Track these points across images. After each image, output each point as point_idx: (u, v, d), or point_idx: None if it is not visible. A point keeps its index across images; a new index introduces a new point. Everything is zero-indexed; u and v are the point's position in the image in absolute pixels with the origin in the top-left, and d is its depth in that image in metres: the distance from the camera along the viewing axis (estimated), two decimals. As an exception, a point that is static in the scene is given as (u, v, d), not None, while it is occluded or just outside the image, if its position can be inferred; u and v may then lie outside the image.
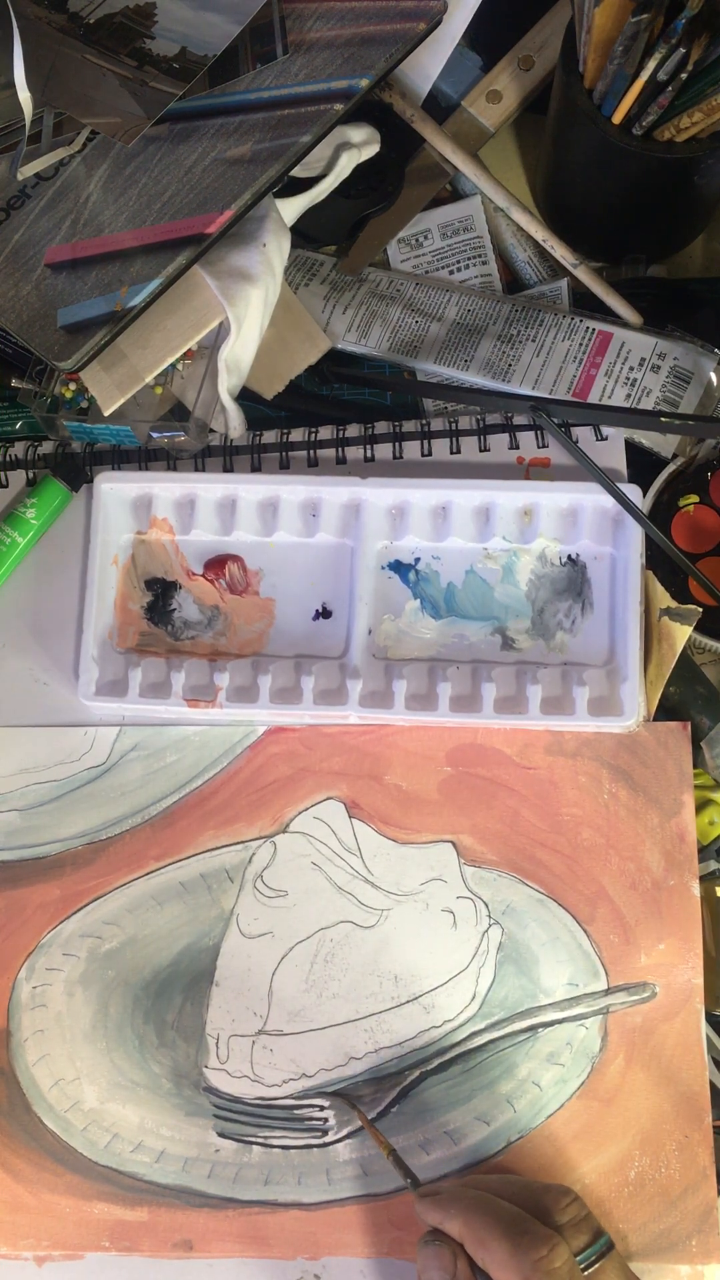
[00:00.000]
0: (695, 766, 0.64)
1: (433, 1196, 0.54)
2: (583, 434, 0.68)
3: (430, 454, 0.68)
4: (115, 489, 0.67)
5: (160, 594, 0.67)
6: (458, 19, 0.68)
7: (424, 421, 0.69)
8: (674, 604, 0.62)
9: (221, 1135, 0.61)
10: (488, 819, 0.63)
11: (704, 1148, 0.59)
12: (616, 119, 0.63)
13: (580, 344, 0.69)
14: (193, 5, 0.66)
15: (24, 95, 0.63)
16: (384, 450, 0.69)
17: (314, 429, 0.69)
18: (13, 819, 0.64)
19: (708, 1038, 0.60)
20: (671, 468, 0.67)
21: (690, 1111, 0.60)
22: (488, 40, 0.73)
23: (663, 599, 0.63)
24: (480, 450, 0.68)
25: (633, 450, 0.68)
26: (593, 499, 0.66)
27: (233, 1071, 0.61)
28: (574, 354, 0.69)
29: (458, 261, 0.73)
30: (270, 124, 0.63)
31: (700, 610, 0.61)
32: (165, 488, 0.67)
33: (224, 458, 0.69)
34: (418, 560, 0.67)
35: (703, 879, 0.62)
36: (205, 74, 0.64)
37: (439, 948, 0.62)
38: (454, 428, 0.69)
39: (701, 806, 0.64)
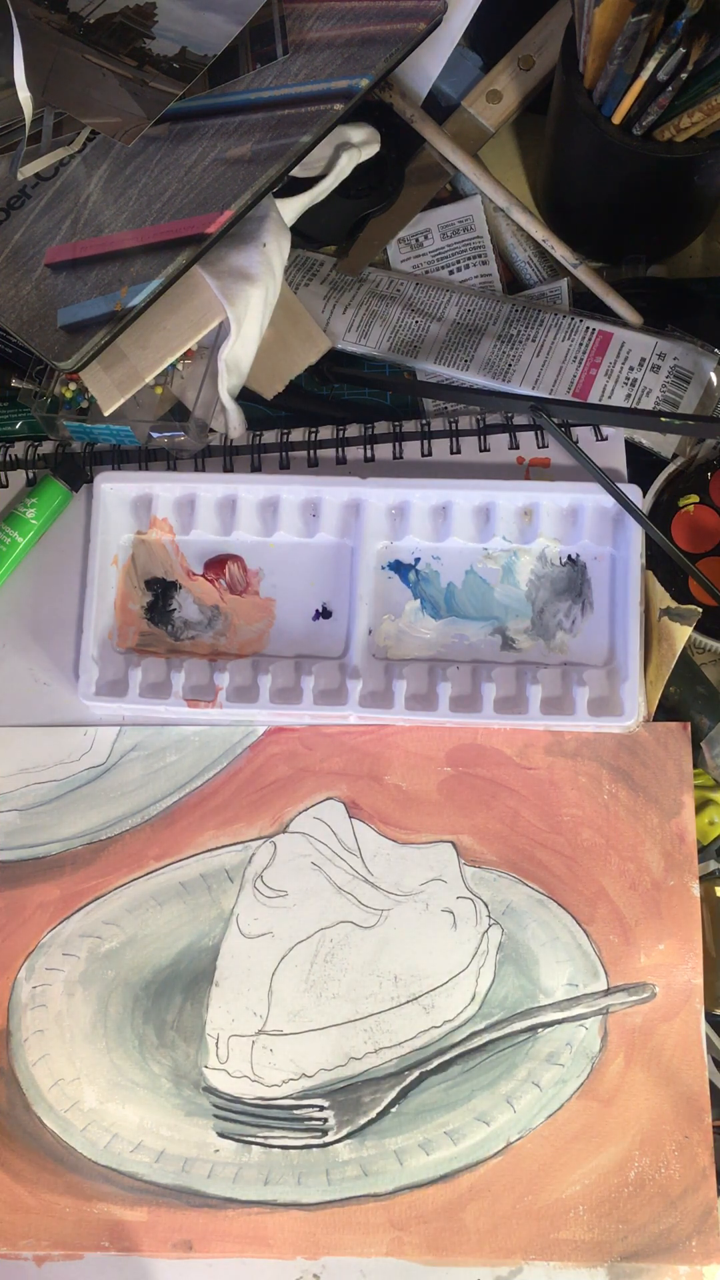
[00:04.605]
0: (695, 766, 0.64)
1: None
2: (583, 434, 0.68)
3: (430, 454, 0.68)
4: (115, 489, 0.67)
5: (160, 594, 0.67)
6: (458, 19, 0.68)
7: (424, 421, 0.69)
8: (674, 604, 0.62)
9: (221, 1135, 0.60)
10: (488, 819, 0.63)
11: (704, 1148, 0.59)
12: (616, 119, 0.63)
13: (580, 344, 0.69)
14: (193, 5, 0.66)
15: (24, 95, 0.63)
16: (384, 450, 0.69)
17: (314, 429, 0.69)
18: (13, 819, 0.64)
19: (707, 1038, 0.60)
20: (671, 468, 0.67)
21: (690, 1111, 0.60)
22: (488, 40, 0.73)
23: (663, 599, 0.63)
24: (480, 450, 0.68)
25: (633, 450, 0.68)
26: (593, 499, 0.65)
27: (233, 1071, 0.61)
28: (574, 354, 0.69)
29: (458, 261, 0.73)
30: (270, 124, 0.63)
31: (700, 610, 0.61)
32: (165, 488, 0.67)
33: (224, 458, 0.69)
34: (418, 560, 0.67)
35: (703, 879, 0.62)
36: (205, 74, 0.64)
37: (439, 948, 0.62)
38: (454, 428, 0.69)
39: (701, 806, 0.64)
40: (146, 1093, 0.61)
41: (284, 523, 0.67)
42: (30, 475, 0.69)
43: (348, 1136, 0.60)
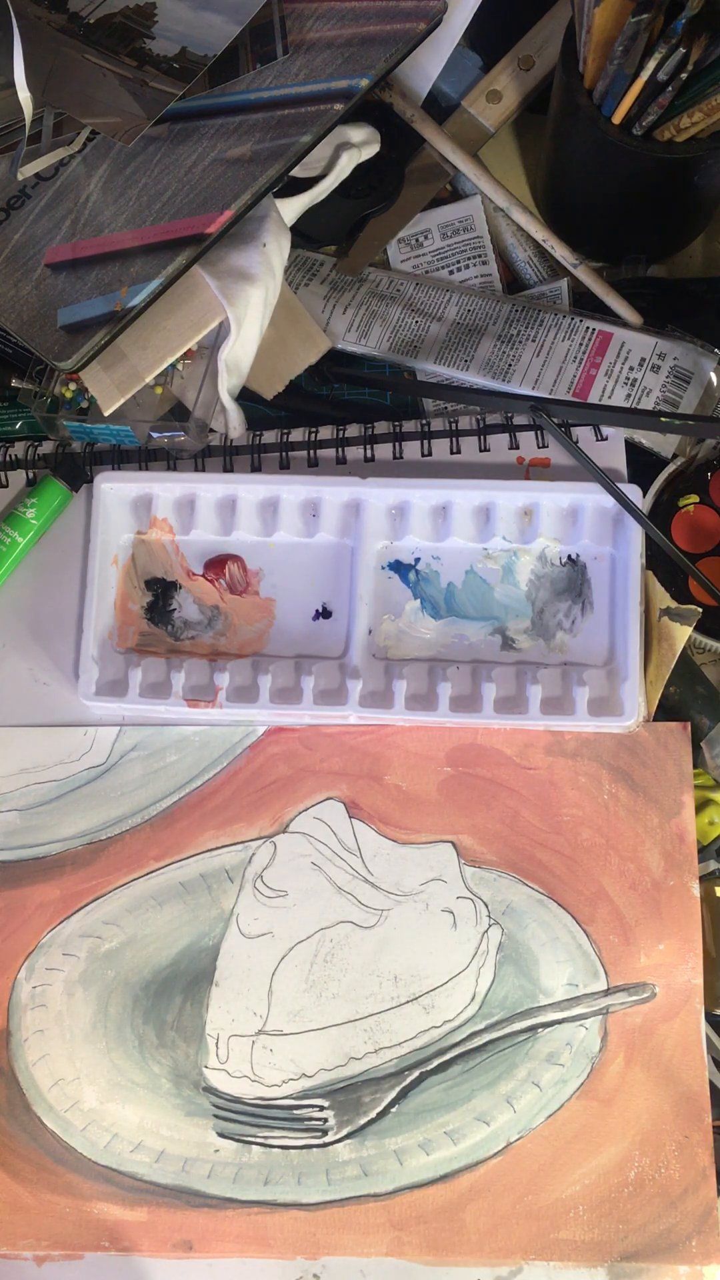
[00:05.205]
0: (695, 766, 0.64)
1: None
2: (583, 434, 0.68)
3: (430, 454, 0.68)
4: (115, 489, 0.67)
5: (160, 594, 0.67)
6: (458, 19, 0.68)
7: (424, 421, 0.69)
8: (674, 604, 0.62)
9: (221, 1135, 0.61)
10: (488, 819, 0.63)
11: (704, 1148, 0.59)
12: (616, 119, 0.63)
13: (580, 344, 0.69)
14: (193, 5, 0.66)
15: (24, 95, 0.63)
16: (384, 450, 0.69)
17: (314, 429, 0.69)
18: (13, 819, 0.64)
19: (707, 1038, 0.60)
20: (671, 468, 0.67)
21: (690, 1111, 0.60)
22: (488, 40, 0.73)
23: (663, 599, 0.63)
24: (480, 450, 0.68)
25: (633, 450, 0.68)
26: (593, 499, 0.65)
27: (232, 1071, 0.61)
28: (574, 354, 0.69)
29: (458, 261, 0.73)
30: (270, 124, 0.63)
31: (700, 610, 0.61)
32: (165, 488, 0.67)
33: (224, 458, 0.69)
34: (418, 560, 0.67)
35: (703, 879, 0.62)
36: (205, 74, 0.64)
37: (439, 948, 0.62)
38: (454, 428, 0.69)
39: (701, 806, 0.64)
40: (146, 1093, 0.61)
41: (284, 523, 0.67)
42: (30, 475, 0.69)
43: (348, 1136, 0.60)
